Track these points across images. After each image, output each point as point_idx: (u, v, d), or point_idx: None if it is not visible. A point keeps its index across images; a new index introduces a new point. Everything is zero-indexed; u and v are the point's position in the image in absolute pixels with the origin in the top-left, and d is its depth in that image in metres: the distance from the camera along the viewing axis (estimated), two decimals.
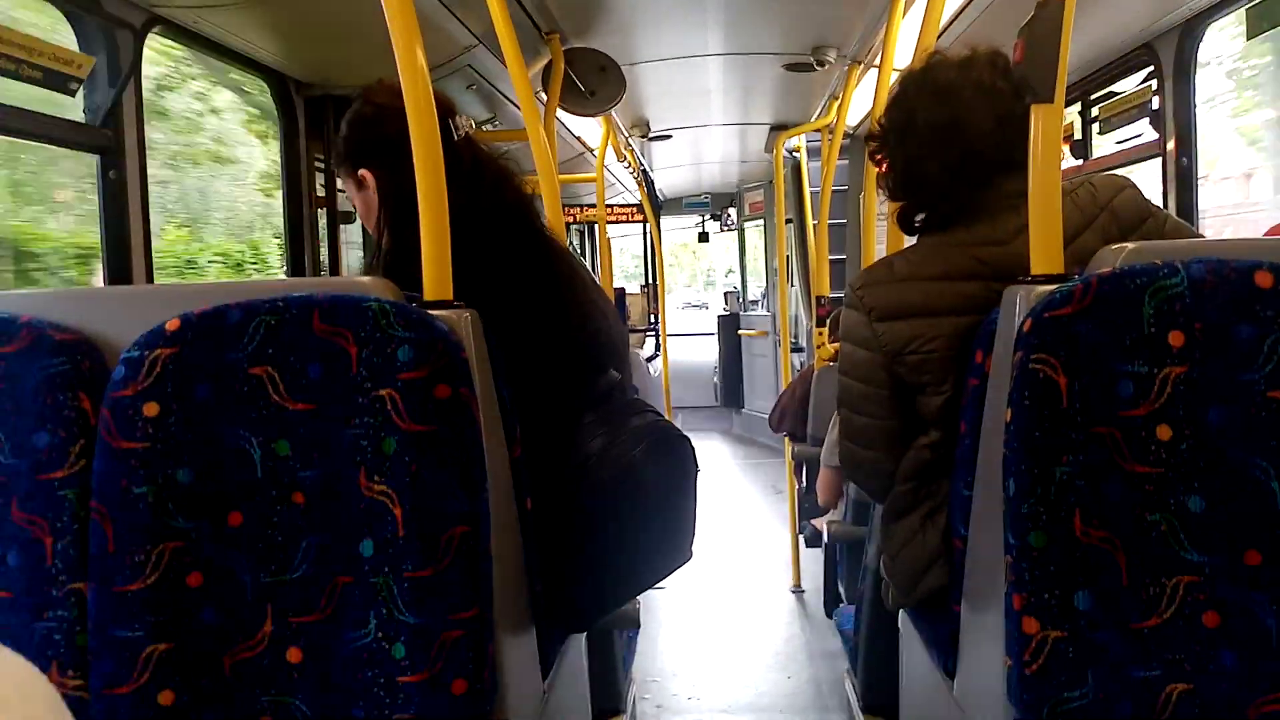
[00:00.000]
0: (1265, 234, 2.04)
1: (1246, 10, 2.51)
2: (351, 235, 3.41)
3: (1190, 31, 2.76)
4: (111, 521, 1.21)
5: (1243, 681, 1.17)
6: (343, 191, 2.65)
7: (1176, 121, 2.85)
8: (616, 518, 1.55)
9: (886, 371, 1.59)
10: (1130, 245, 1.29)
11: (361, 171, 1.62)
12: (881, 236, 2.59)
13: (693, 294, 26.10)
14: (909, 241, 1.72)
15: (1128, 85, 3.18)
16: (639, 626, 1.96)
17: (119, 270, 2.19)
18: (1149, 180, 2.93)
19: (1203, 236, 1.63)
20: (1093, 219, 1.50)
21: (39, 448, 1.24)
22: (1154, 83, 2.93)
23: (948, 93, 1.58)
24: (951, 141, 1.56)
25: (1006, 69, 1.57)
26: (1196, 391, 1.18)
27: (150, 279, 2.24)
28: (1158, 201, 2.81)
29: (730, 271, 9.90)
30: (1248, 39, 2.57)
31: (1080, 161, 3.46)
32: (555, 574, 1.55)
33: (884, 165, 1.72)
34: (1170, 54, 2.83)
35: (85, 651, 1.22)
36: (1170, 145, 2.87)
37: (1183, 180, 2.84)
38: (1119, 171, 3.18)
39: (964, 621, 1.50)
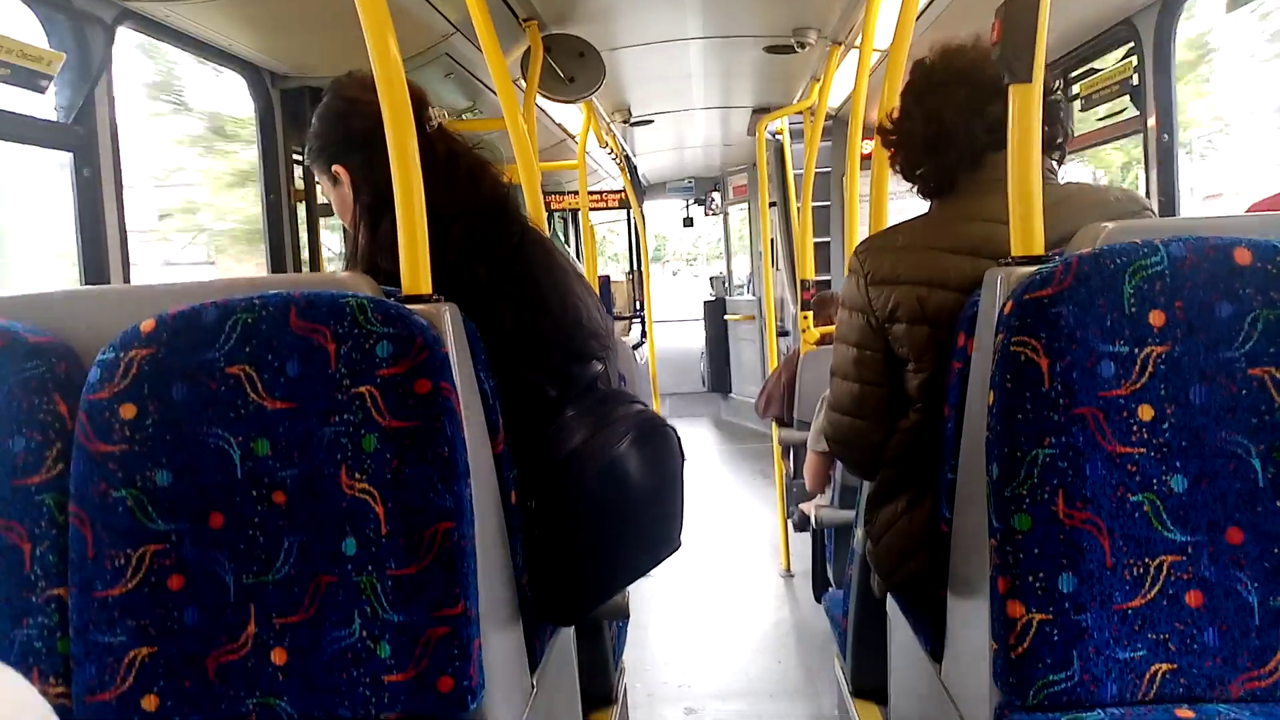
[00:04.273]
0: (1244, 211, 2.05)
1: None
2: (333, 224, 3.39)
3: (1169, 7, 2.75)
4: (90, 526, 1.20)
5: (1226, 659, 1.18)
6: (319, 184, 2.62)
7: (1157, 97, 2.84)
8: (603, 510, 1.54)
9: (879, 336, 1.61)
10: (1110, 225, 1.29)
11: (335, 167, 1.60)
12: (865, 218, 2.58)
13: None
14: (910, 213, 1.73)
15: (1108, 62, 3.18)
16: (628, 617, 1.96)
17: (94, 270, 2.16)
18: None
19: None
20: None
21: (15, 453, 1.22)
22: (1134, 59, 2.93)
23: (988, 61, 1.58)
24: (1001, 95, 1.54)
25: None
26: (1177, 370, 1.19)
27: (126, 279, 2.22)
28: (1140, 176, 2.82)
29: None
30: (1227, 12, 2.57)
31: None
32: (542, 568, 1.55)
33: (894, 137, 1.74)
34: (1150, 29, 2.83)
35: (67, 658, 1.21)
36: (1151, 121, 2.87)
37: (1164, 156, 2.84)
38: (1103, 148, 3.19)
39: (950, 605, 1.51)
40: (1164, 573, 1.19)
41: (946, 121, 1.61)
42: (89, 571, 1.20)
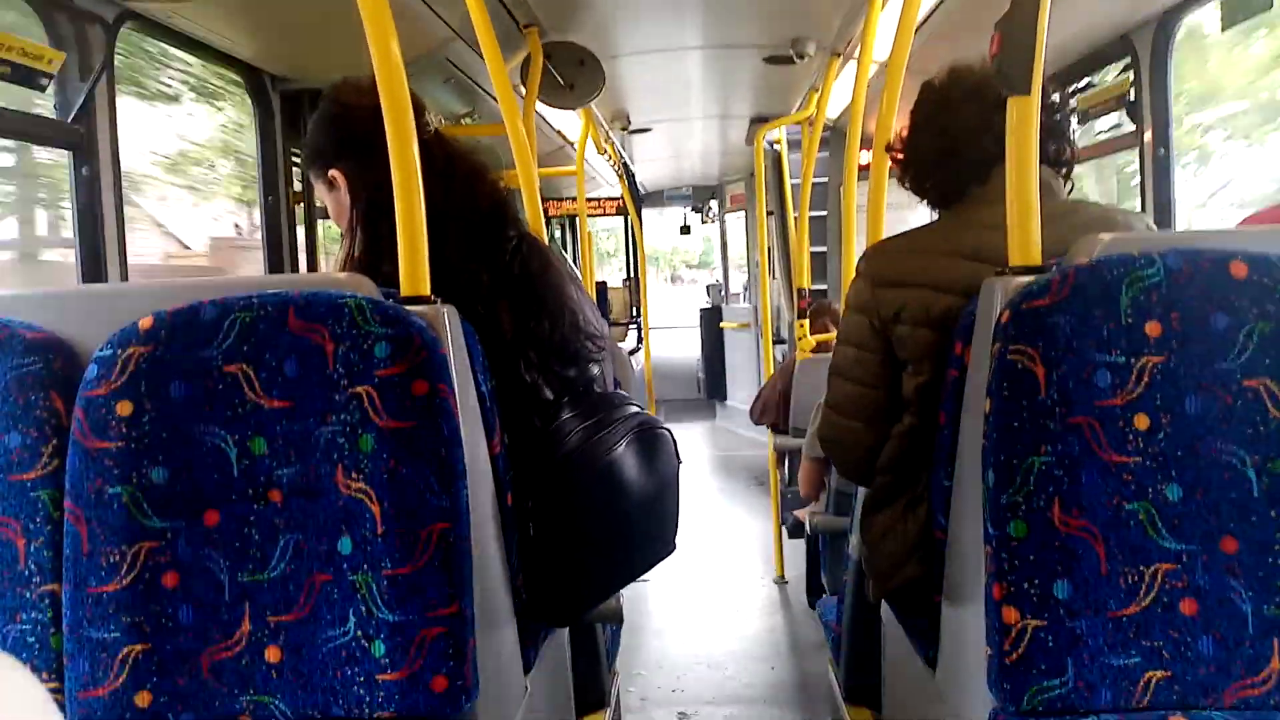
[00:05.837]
0: (1239, 224, 2.06)
1: (1222, 2, 2.52)
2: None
3: (1166, 23, 2.77)
4: (86, 522, 1.19)
5: (1219, 668, 1.18)
6: None
7: (1153, 112, 2.86)
8: (599, 512, 1.55)
9: (881, 339, 1.62)
10: (1107, 236, 1.30)
11: (332, 172, 1.61)
12: (861, 228, 2.59)
13: None
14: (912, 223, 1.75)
15: (1106, 76, 3.19)
16: (622, 621, 1.96)
17: (92, 268, 2.16)
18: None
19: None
20: None
21: (11, 448, 1.22)
22: (1131, 74, 2.94)
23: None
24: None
25: None
26: (1173, 381, 1.19)
27: (124, 276, 2.22)
28: (1135, 190, 2.83)
29: None
30: (1222, 30, 2.57)
31: None
32: (538, 569, 1.55)
33: (901, 156, 1.76)
34: (1147, 46, 2.84)
35: (60, 654, 1.21)
36: (1148, 136, 2.88)
37: (1159, 170, 2.86)
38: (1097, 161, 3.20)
39: (945, 611, 1.51)
40: (1159, 581, 1.19)
41: (956, 137, 1.63)
42: (83, 568, 1.19)
